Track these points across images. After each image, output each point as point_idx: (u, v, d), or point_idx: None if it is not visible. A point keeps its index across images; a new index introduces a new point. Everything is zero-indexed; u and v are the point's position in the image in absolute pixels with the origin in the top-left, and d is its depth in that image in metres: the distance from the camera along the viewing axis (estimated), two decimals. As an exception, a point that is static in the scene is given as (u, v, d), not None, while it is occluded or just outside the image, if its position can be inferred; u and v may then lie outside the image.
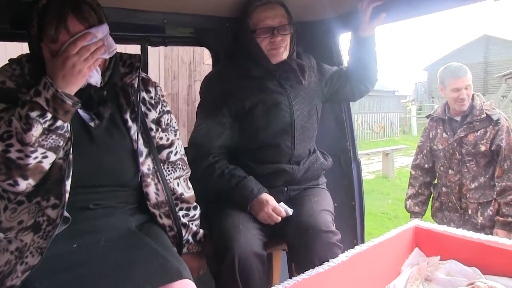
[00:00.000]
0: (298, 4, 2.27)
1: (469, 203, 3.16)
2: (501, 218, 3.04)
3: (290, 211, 2.10)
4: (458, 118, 3.22)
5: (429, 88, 30.91)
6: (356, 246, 1.82)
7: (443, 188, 3.31)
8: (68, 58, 1.43)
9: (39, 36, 1.52)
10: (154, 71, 9.43)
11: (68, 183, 1.51)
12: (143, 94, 1.80)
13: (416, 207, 3.45)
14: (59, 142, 1.46)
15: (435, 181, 3.46)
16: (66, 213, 1.51)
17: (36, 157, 1.42)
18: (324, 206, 2.16)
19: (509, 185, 3.03)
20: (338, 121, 2.74)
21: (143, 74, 1.82)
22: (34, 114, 1.38)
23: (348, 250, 1.77)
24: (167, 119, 1.88)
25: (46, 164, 1.46)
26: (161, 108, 1.86)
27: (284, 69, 2.20)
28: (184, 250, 1.89)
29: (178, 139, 1.93)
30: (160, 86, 1.90)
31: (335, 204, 2.30)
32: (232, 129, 2.20)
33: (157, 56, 8.13)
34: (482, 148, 3.09)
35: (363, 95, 2.51)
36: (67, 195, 1.50)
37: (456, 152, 3.19)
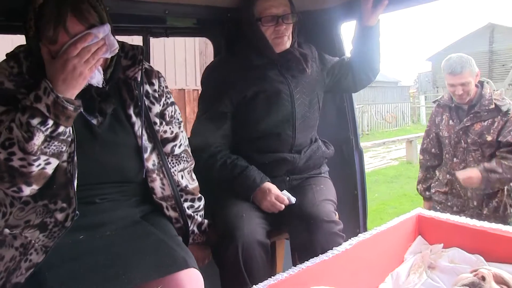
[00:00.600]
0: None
1: (475, 194, 3.14)
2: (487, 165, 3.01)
3: (293, 199, 2.10)
4: (465, 107, 3.16)
5: (434, 78, 30.73)
6: (359, 234, 1.83)
7: (448, 175, 3.30)
8: (68, 60, 1.37)
9: (37, 37, 1.44)
10: (190, 67, 9.50)
11: (74, 186, 1.50)
12: (147, 87, 1.75)
13: (427, 192, 3.48)
14: (62, 148, 1.45)
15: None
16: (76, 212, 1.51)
17: (39, 165, 1.40)
18: (326, 196, 2.16)
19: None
20: (340, 110, 2.74)
21: (146, 65, 1.78)
22: (35, 121, 1.35)
23: (352, 238, 1.78)
24: (171, 111, 1.84)
25: (50, 170, 1.45)
26: (165, 100, 1.81)
27: (287, 58, 2.20)
28: (190, 240, 1.90)
29: (182, 131, 1.91)
30: (163, 77, 1.85)
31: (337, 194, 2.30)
32: (233, 119, 2.21)
33: (192, 52, 8.19)
34: (489, 138, 3.04)
35: (365, 85, 2.50)
36: (74, 198, 1.49)
37: (462, 141, 3.16)
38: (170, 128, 1.84)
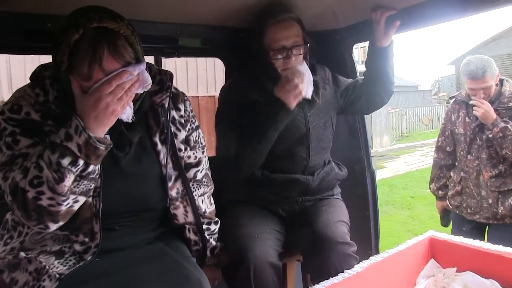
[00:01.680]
0: (311, 13, 2.28)
1: (490, 192, 3.07)
2: None
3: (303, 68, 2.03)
4: None
5: (457, 81, 30.45)
6: (371, 257, 1.80)
7: (462, 173, 3.25)
8: (101, 98, 1.33)
9: (69, 71, 1.38)
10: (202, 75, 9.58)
11: (100, 221, 1.49)
12: (173, 112, 1.73)
13: (440, 191, 3.45)
14: (90, 186, 1.42)
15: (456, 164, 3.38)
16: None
17: (68, 204, 1.38)
18: (339, 217, 2.15)
19: None
20: (352, 131, 2.74)
21: (172, 88, 1.73)
22: (65, 162, 1.32)
23: (363, 261, 1.76)
24: (196, 136, 1.83)
25: (77, 207, 1.43)
26: (190, 125, 1.80)
27: None
28: None
29: (205, 156, 1.89)
30: (189, 100, 1.84)
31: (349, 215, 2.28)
32: None
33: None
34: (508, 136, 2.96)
35: (378, 107, 2.49)
36: (97, 234, 1.49)
37: (477, 138, 3.12)
38: (194, 153, 1.82)
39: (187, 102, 1.81)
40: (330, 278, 1.65)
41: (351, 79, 2.49)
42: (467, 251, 1.83)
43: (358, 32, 2.56)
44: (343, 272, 1.69)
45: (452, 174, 3.37)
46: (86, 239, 1.49)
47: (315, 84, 2.17)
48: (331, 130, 2.34)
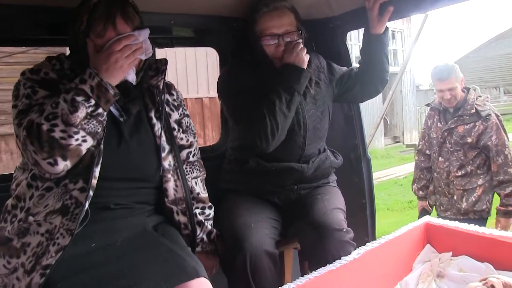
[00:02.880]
0: (304, 2, 2.28)
1: (456, 189, 3.40)
2: (502, 208, 3.30)
3: None
4: (451, 110, 3.44)
5: None
6: (367, 243, 1.82)
7: (435, 174, 3.58)
8: (112, 53, 1.55)
9: (86, 32, 1.62)
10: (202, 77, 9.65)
11: (97, 170, 1.58)
12: (167, 95, 1.91)
13: (420, 192, 3.74)
14: (98, 128, 1.55)
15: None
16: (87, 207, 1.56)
17: (77, 139, 1.49)
18: (336, 205, 2.16)
19: (507, 178, 3.24)
20: (347, 119, 2.74)
21: (166, 80, 1.92)
22: (79, 98, 1.49)
23: (360, 248, 1.78)
24: (187, 122, 1.98)
25: (84, 148, 1.53)
26: (182, 111, 1.97)
27: None
28: (198, 248, 1.93)
29: (196, 141, 2.03)
30: (180, 92, 2.01)
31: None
32: None
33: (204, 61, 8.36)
34: (469, 140, 3.31)
35: (373, 96, 2.49)
36: (94, 181, 1.57)
37: (447, 141, 3.43)
38: (186, 136, 1.96)
39: (179, 93, 2.00)
40: (328, 265, 1.67)
41: (346, 68, 2.48)
42: (462, 235, 1.85)
43: (352, 20, 2.55)
44: (340, 259, 1.71)
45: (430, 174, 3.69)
46: (85, 185, 1.57)
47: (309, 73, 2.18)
48: (327, 119, 2.35)
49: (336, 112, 2.63)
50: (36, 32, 2.10)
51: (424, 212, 3.67)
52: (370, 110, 13.67)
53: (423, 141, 3.70)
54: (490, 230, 1.80)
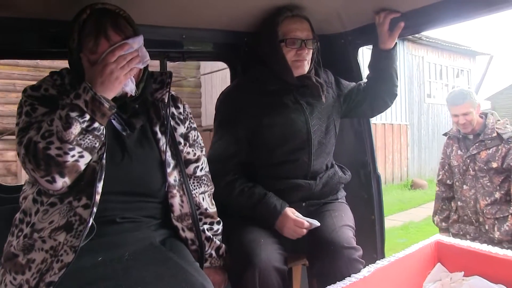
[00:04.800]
0: (316, 17, 2.27)
1: (486, 219, 3.30)
2: None
3: (316, 222, 2.06)
4: (471, 136, 3.42)
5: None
6: (377, 261, 1.80)
7: (459, 202, 3.50)
8: (106, 65, 1.52)
9: (78, 48, 1.63)
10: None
11: (100, 185, 1.56)
12: (172, 109, 1.88)
13: (443, 223, 3.65)
14: (95, 143, 1.53)
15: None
16: (93, 221, 1.55)
17: (73, 155, 1.48)
18: (345, 221, 2.14)
19: None
20: (357, 135, 2.72)
21: (172, 92, 1.91)
22: (73, 114, 1.46)
23: (370, 265, 1.75)
24: (194, 135, 1.95)
25: (82, 164, 1.52)
26: (189, 124, 1.94)
27: (304, 83, 2.19)
28: (207, 264, 1.91)
29: (204, 155, 1.99)
30: (187, 104, 1.99)
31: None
32: (249, 145, 2.20)
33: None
34: (494, 165, 3.28)
35: (382, 110, 2.49)
36: (98, 197, 1.55)
37: (470, 168, 3.38)
38: (193, 150, 1.93)
39: (186, 105, 1.97)
40: (337, 282, 1.65)
41: (354, 83, 2.48)
42: (474, 255, 1.82)
43: (364, 35, 2.56)
44: (349, 277, 1.69)
45: (453, 204, 3.62)
46: (88, 202, 1.56)
47: (321, 84, 2.19)
48: (333, 134, 2.34)
49: (346, 127, 2.62)
50: (42, 45, 2.10)
51: None
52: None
53: (443, 171, 3.65)
54: (504, 250, 1.77)
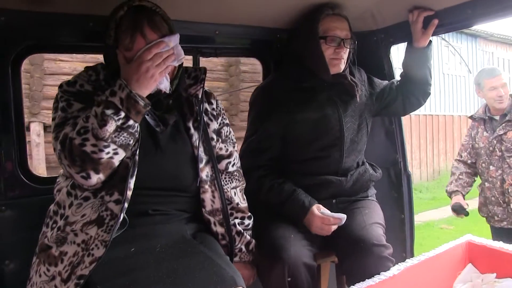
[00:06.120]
0: (350, 15, 2.26)
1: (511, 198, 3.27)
2: None
3: (343, 216, 2.05)
4: (498, 117, 3.41)
5: None
6: (407, 260, 1.79)
7: (486, 183, 3.46)
8: (142, 63, 1.53)
9: (115, 45, 1.65)
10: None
11: (132, 181, 1.58)
12: (206, 105, 1.90)
13: (456, 188, 3.59)
14: (129, 141, 1.55)
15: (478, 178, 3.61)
16: (125, 215, 1.58)
17: (108, 152, 1.51)
18: (375, 219, 2.13)
19: None
20: (389, 133, 2.71)
21: (206, 88, 1.91)
22: (109, 111, 1.48)
23: (399, 264, 1.75)
24: (227, 131, 1.97)
25: (116, 161, 1.55)
26: (222, 120, 1.96)
27: (339, 81, 2.19)
28: (236, 258, 1.92)
29: (236, 151, 2.01)
30: (220, 100, 2.01)
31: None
32: (281, 141, 2.21)
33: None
34: None
35: (415, 109, 2.47)
36: (129, 192, 1.58)
37: (496, 149, 3.35)
38: (225, 146, 1.95)
39: (219, 101, 1.99)
40: (366, 280, 1.65)
41: (387, 81, 2.47)
42: (507, 257, 1.80)
43: (396, 33, 2.54)
44: (379, 275, 1.69)
45: (478, 188, 3.60)
46: (120, 197, 1.58)
47: (356, 83, 2.19)
48: (365, 132, 2.33)
49: (377, 126, 2.61)
50: (82, 39, 2.14)
51: (459, 208, 3.48)
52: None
53: (465, 153, 3.62)
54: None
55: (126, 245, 1.61)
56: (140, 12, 1.65)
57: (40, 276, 1.56)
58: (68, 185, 1.65)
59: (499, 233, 3.36)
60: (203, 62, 2.65)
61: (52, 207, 1.68)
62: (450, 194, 3.63)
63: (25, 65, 7.12)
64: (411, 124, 12.06)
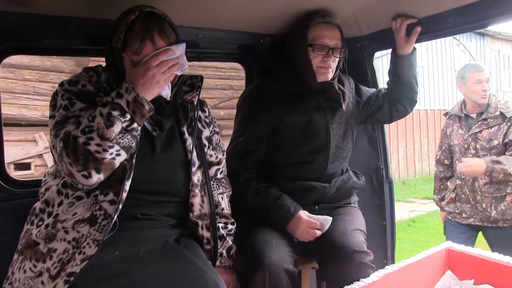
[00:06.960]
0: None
1: (484, 197, 3.29)
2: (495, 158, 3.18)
3: (328, 219, 2.07)
4: (474, 115, 3.41)
5: None
6: (387, 266, 1.79)
7: (458, 181, 3.45)
8: (149, 68, 1.57)
9: (122, 48, 1.66)
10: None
11: (128, 183, 1.59)
12: (199, 112, 1.93)
13: (442, 202, 3.61)
14: (132, 143, 1.57)
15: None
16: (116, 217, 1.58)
17: (111, 153, 1.52)
18: (356, 226, 2.14)
19: None
20: (371, 140, 2.73)
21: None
22: (115, 113, 1.50)
23: (379, 270, 1.75)
24: (217, 139, 2.01)
25: (117, 162, 1.56)
26: (213, 128, 2.01)
27: (327, 89, 2.20)
28: (217, 263, 1.92)
29: (224, 158, 2.05)
30: (211, 109, 2.05)
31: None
32: (268, 144, 2.21)
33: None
34: (496, 142, 3.26)
35: (402, 116, 2.49)
36: (125, 194, 1.58)
37: (471, 147, 3.35)
38: (215, 153, 1.98)
39: (211, 110, 2.04)
40: (345, 286, 1.65)
41: (374, 89, 2.48)
42: (485, 263, 1.81)
43: (380, 40, 2.56)
44: (358, 281, 1.68)
45: (449, 183, 3.58)
46: (115, 198, 1.58)
47: (343, 92, 2.20)
48: (350, 140, 2.34)
49: (360, 133, 2.62)
50: (63, 41, 2.11)
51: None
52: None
53: (440, 151, 3.64)
54: (515, 259, 1.76)
55: (111, 247, 1.61)
56: (151, 18, 1.68)
57: (25, 272, 1.55)
58: (59, 183, 1.64)
59: (463, 234, 3.41)
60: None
61: (38, 205, 1.67)
62: (438, 205, 3.69)
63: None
64: (427, 120, 12.66)
